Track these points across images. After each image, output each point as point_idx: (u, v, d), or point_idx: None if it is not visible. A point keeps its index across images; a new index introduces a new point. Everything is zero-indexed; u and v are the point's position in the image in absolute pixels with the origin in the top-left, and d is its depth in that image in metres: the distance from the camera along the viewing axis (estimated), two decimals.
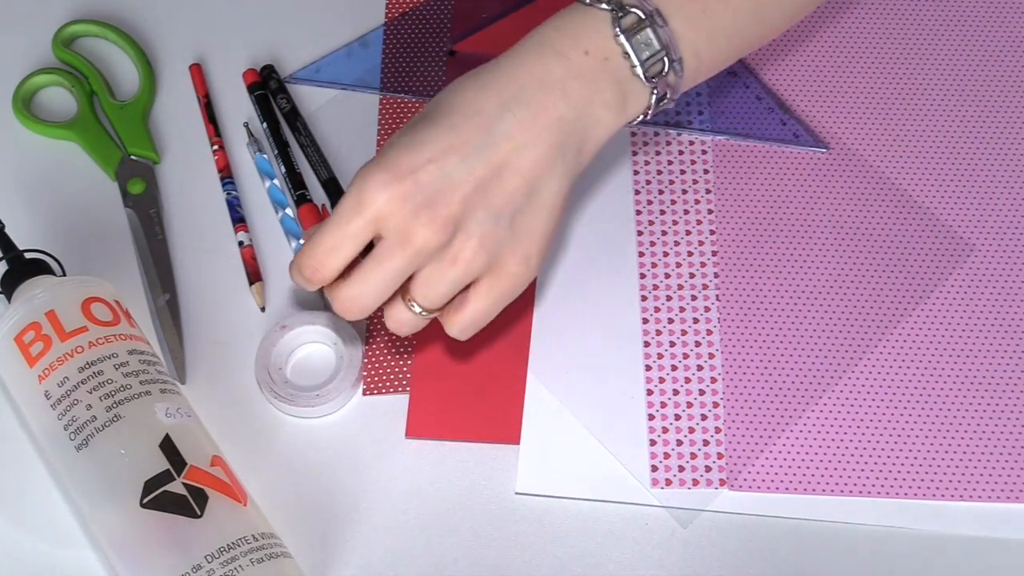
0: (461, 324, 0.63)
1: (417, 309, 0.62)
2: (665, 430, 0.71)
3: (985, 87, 0.81)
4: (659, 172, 0.79)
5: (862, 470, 0.69)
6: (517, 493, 0.69)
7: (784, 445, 0.70)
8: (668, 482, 0.69)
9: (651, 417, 0.71)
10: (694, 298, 0.74)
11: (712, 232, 0.77)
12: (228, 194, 0.79)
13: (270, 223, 0.78)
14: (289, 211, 0.78)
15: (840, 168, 0.79)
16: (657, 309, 0.74)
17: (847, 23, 0.84)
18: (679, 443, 0.70)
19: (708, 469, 0.69)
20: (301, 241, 0.76)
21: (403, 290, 0.62)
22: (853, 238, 0.76)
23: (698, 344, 0.73)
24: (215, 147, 0.80)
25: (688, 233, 0.77)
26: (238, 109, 0.82)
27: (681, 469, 0.70)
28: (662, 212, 0.77)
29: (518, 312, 0.74)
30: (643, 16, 0.61)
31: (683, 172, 0.79)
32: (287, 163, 0.79)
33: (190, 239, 0.78)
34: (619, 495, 0.69)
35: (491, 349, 0.73)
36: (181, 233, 0.78)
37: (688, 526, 0.68)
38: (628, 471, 0.70)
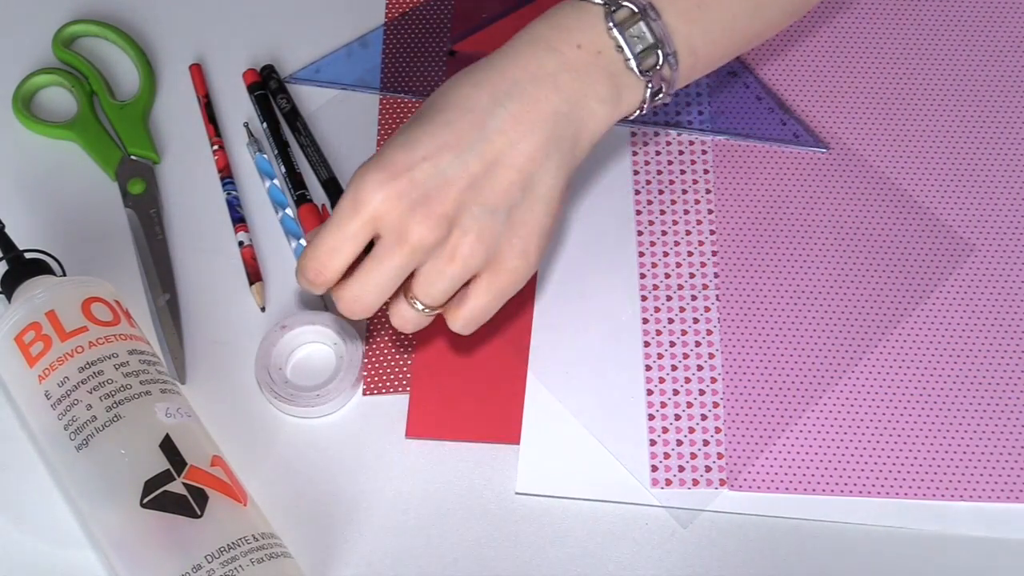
0: (463, 319, 0.63)
1: (420, 306, 0.63)
2: (665, 430, 0.71)
3: (985, 87, 0.81)
4: (659, 172, 0.79)
5: (862, 470, 0.69)
6: (517, 493, 0.69)
7: (784, 445, 0.70)
8: (668, 482, 0.69)
9: (651, 417, 0.71)
10: (694, 298, 0.74)
11: (712, 232, 0.77)
12: (228, 194, 0.79)
13: (270, 223, 0.78)
14: (289, 211, 0.78)
15: (840, 168, 0.79)
16: (657, 309, 0.74)
17: (847, 22, 0.84)
18: (679, 443, 0.70)
19: (708, 469, 0.69)
20: (301, 242, 0.76)
21: (405, 288, 0.62)
22: (853, 238, 0.76)
23: (698, 344, 0.73)
24: (215, 147, 0.80)
25: (688, 233, 0.77)
26: (238, 109, 0.82)
27: (681, 469, 0.70)
28: (662, 212, 0.77)
29: (518, 311, 0.74)
30: (636, 10, 0.62)
31: (683, 172, 0.79)
32: (287, 163, 0.79)
33: (190, 239, 0.78)
34: (619, 495, 0.69)
35: (491, 349, 0.73)
36: (181, 233, 0.78)
37: (688, 526, 0.68)
38: (628, 471, 0.70)
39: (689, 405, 0.71)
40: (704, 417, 0.71)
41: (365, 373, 0.73)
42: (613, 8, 0.61)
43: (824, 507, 0.69)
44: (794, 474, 0.69)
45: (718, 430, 0.71)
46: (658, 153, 0.79)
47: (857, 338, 0.73)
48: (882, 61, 0.83)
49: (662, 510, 0.69)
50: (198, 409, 0.68)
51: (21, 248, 0.72)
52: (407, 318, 0.64)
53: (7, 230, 0.72)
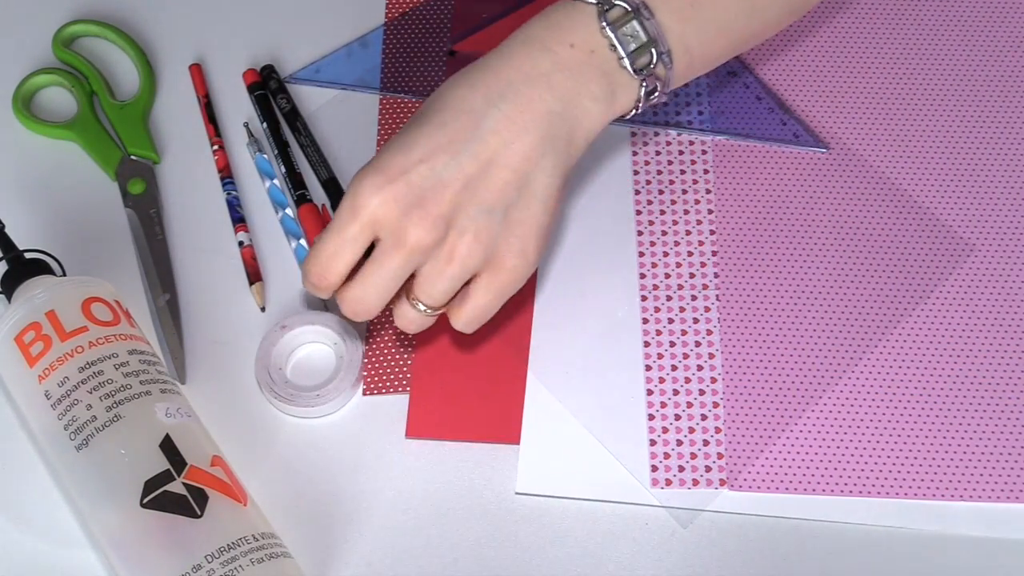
0: (465, 318, 0.64)
1: (422, 307, 0.63)
2: (665, 430, 0.71)
3: (985, 87, 0.81)
4: (659, 172, 0.79)
5: (862, 470, 0.69)
6: (517, 493, 0.69)
7: (784, 445, 0.70)
8: (668, 482, 0.69)
9: (651, 417, 0.71)
10: (694, 298, 0.74)
11: (712, 232, 0.77)
12: (228, 194, 0.79)
13: (270, 223, 0.78)
14: (289, 211, 0.78)
15: (840, 168, 0.79)
16: (657, 309, 0.74)
17: (847, 22, 0.84)
18: (679, 443, 0.70)
19: (708, 469, 0.69)
20: (302, 242, 0.76)
21: (407, 289, 0.63)
22: (853, 238, 0.76)
23: (698, 344, 0.73)
24: (215, 147, 0.80)
25: (688, 233, 0.77)
26: (238, 109, 0.82)
27: (681, 469, 0.70)
28: (662, 212, 0.77)
29: (518, 311, 0.74)
30: (629, 9, 0.62)
31: (683, 172, 0.79)
32: (287, 163, 0.79)
33: (190, 239, 0.78)
34: (619, 495, 0.69)
35: (491, 349, 0.73)
36: (181, 233, 0.78)
37: (688, 526, 0.68)
38: (628, 471, 0.70)
39: (689, 405, 0.71)
40: (704, 417, 0.71)
41: (365, 373, 0.73)
42: (606, 7, 0.62)
43: (824, 507, 0.69)
44: (794, 474, 0.69)
45: (718, 430, 0.71)
46: (658, 153, 0.79)
47: (857, 338, 0.73)
48: (882, 61, 0.83)
49: (662, 510, 0.69)
50: (198, 409, 0.68)
51: (21, 248, 0.72)
52: (410, 319, 0.64)
53: (7, 230, 0.72)
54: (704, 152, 0.79)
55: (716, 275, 0.75)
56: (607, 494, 0.69)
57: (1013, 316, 0.74)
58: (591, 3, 0.62)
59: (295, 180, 0.79)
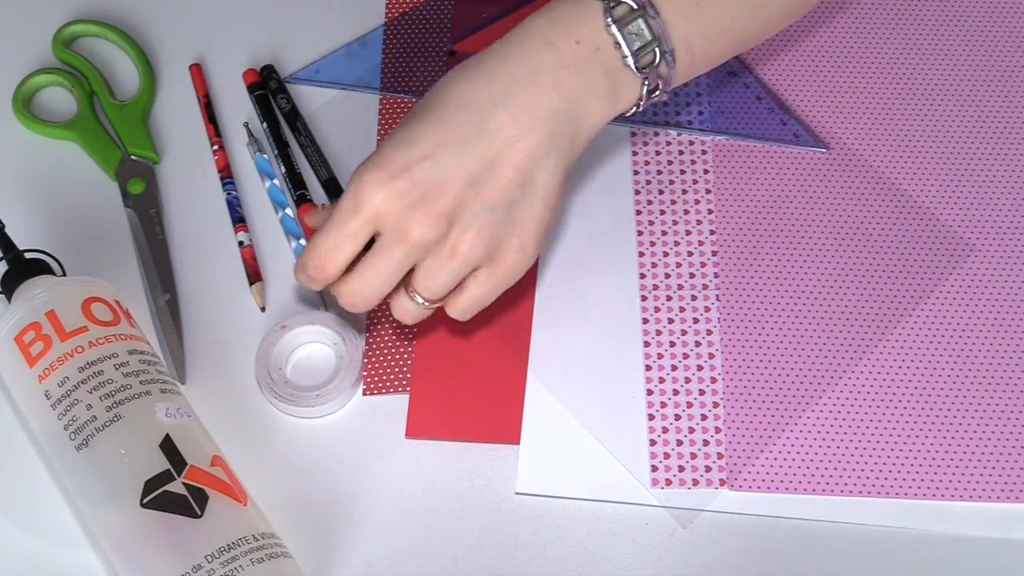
0: (460, 307, 0.64)
1: (420, 300, 0.63)
2: (665, 430, 0.71)
3: (985, 87, 0.81)
4: (659, 172, 0.79)
5: (862, 470, 0.69)
6: (517, 493, 0.69)
7: (784, 445, 0.70)
8: (668, 482, 0.69)
9: (651, 417, 0.71)
10: (694, 298, 0.74)
11: (712, 232, 0.77)
12: (228, 194, 0.79)
13: (270, 223, 0.78)
14: (289, 211, 0.78)
15: (840, 168, 0.79)
16: (657, 309, 0.74)
17: (847, 22, 0.84)
18: (679, 443, 0.70)
19: (708, 469, 0.69)
20: (301, 241, 0.76)
21: (406, 282, 0.63)
22: (853, 238, 0.76)
23: (698, 344, 0.73)
24: (215, 147, 0.80)
25: (688, 233, 0.77)
26: (238, 109, 0.82)
27: (681, 469, 0.70)
28: (662, 212, 0.77)
29: (518, 311, 0.74)
30: (636, 7, 0.62)
31: (683, 172, 0.79)
32: (287, 163, 0.79)
33: (190, 239, 0.78)
34: (619, 495, 0.69)
35: (491, 349, 0.73)
36: (181, 233, 0.78)
37: (688, 526, 0.68)
38: (628, 471, 0.70)
39: (689, 405, 0.71)
40: (704, 417, 0.71)
41: (365, 373, 0.73)
42: (612, 4, 0.61)
43: (824, 507, 0.69)
44: (794, 474, 0.69)
45: (718, 430, 0.71)
46: (658, 153, 0.79)
47: (857, 338, 0.73)
48: (882, 61, 0.83)
49: (662, 510, 0.69)
50: (198, 409, 0.68)
51: (21, 248, 0.72)
52: (407, 310, 0.64)
53: (7, 230, 0.72)
54: (704, 152, 0.79)
55: (716, 275, 0.75)
56: (607, 494, 0.69)
57: (1013, 316, 0.74)
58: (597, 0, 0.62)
59: (295, 180, 0.79)
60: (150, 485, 0.63)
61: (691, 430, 0.71)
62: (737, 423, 0.71)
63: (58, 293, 0.68)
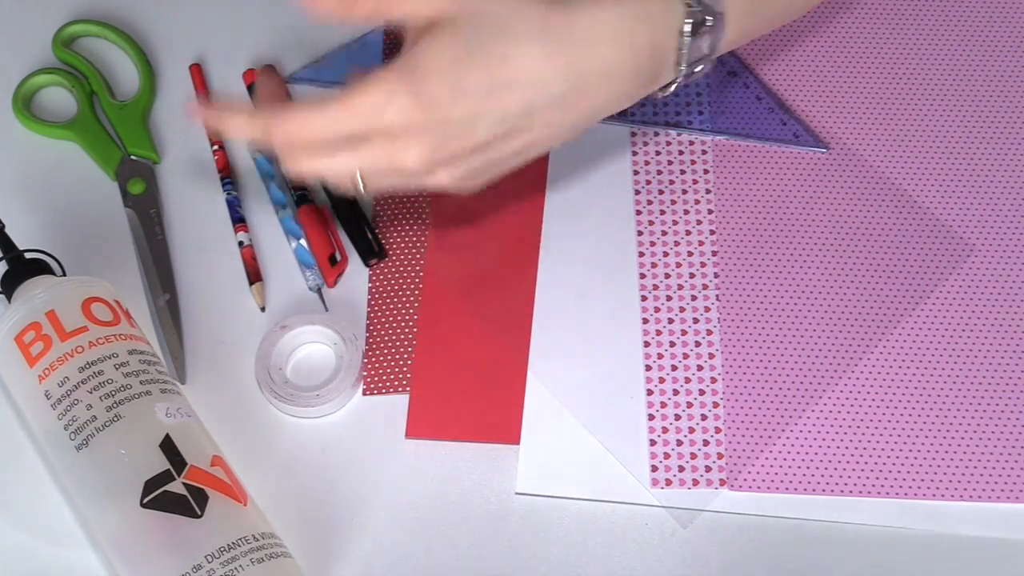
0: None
1: (360, 184, 0.61)
2: (665, 430, 0.71)
3: (985, 87, 0.81)
4: (659, 172, 0.79)
5: (862, 470, 0.69)
6: (517, 493, 0.69)
7: (784, 445, 0.70)
8: (668, 482, 0.69)
9: (651, 417, 0.71)
10: (694, 298, 0.74)
11: (712, 232, 0.77)
12: (228, 194, 0.79)
13: (270, 223, 0.78)
14: (289, 211, 0.78)
15: (840, 168, 0.79)
16: (657, 309, 0.74)
17: (847, 23, 0.84)
18: (679, 443, 0.70)
19: (708, 469, 0.69)
20: (302, 242, 0.76)
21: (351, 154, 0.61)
22: (853, 238, 0.76)
23: (698, 344, 0.73)
24: (215, 147, 0.80)
25: (688, 233, 0.77)
26: None
27: (681, 469, 0.70)
28: (662, 212, 0.77)
29: (518, 311, 0.74)
30: (712, 23, 0.62)
31: (683, 172, 0.79)
32: None
33: (190, 239, 0.78)
34: (619, 495, 0.69)
35: (491, 349, 0.73)
36: (181, 233, 0.78)
37: (688, 526, 0.68)
38: (628, 471, 0.70)
39: (689, 405, 0.71)
40: (704, 417, 0.71)
41: (365, 373, 0.73)
42: (696, 10, 0.61)
43: (824, 507, 0.69)
44: (794, 474, 0.69)
45: (718, 430, 0.71)
46: (658, 153, 0.79)
47: (857, 338, 0.73)
48: (882, 61, 0.83)
49: (662, 510, 0.69)
50: (198, 409, 0.68)
51: (21, 248, 0.72)
52: (336, 174, 0.61)
53: (7, 230, 0.72)
54: (704, 152, 0.79)
55: (716, 275, 0.75)
56: (607, 494, 0.69)
57: (1013, 316, 0.74)
58: (688, 6, 0.61)
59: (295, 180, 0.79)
60: (150, 485, 0.63)
61: (691, 430, 0.71)
62: (737, 423, 0.71)
63: (58, 293, 0.68)
